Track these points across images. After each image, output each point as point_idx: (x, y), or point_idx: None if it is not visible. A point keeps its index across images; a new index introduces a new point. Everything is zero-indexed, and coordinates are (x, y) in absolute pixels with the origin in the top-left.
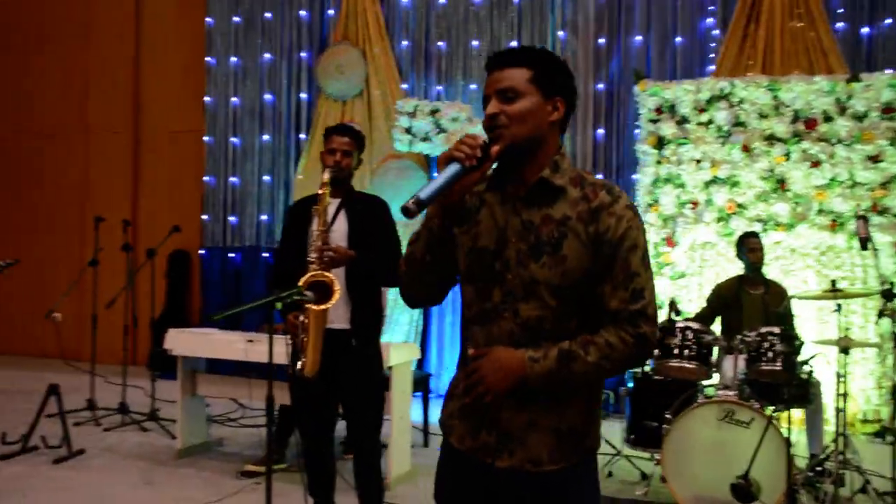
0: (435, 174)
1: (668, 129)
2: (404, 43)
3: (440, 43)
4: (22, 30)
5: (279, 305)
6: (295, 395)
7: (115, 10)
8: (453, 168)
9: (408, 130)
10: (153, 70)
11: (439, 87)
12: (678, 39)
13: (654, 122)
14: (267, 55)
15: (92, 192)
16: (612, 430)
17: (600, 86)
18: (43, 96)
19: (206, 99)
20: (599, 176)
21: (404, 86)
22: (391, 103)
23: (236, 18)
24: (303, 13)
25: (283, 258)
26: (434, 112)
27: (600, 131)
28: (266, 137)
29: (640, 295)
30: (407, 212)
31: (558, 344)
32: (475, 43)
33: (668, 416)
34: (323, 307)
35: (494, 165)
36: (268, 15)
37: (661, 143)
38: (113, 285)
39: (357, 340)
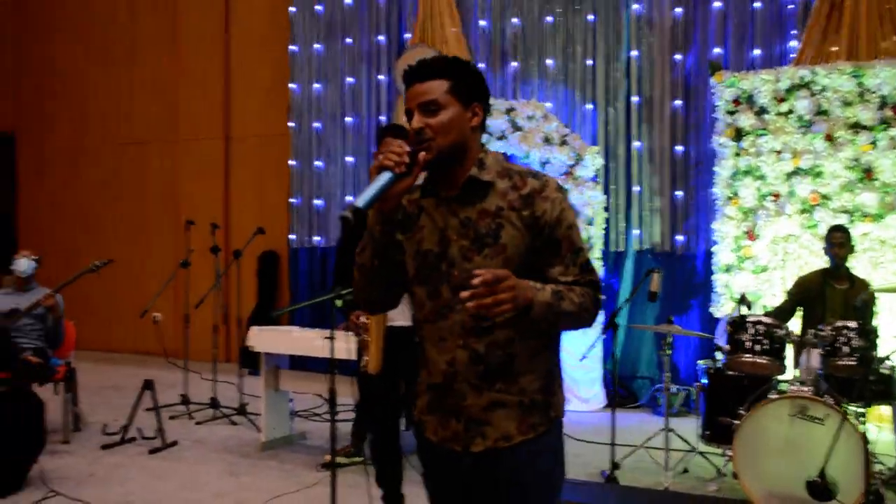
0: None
1: (746, 120)
2: (481, 23)
3: (514, 20)
4: (118, 45)
5: (339, 303)
6: (362, 391)
7: (204, 22)
8: (385, 176)
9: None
10: (241, 77)
11: (516, 73)
12: (757, 28)
13: (732, 113)
14: (348, 41)
15: (183, 196)
16: (688, 427)
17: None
18: (137, 106)
19: (291, 85)
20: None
21: None
22: None
23: (319, 7)
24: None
25: (343, 255)
26: (510, 111)
27: (679, 112)
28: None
29: (588, 267)
30: (345, 221)
31: (544, 285)
32: (550, 28)
33: (741, 411)
34: None
35: (424, 174)
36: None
37: (739, 134)
38: (205, 286)
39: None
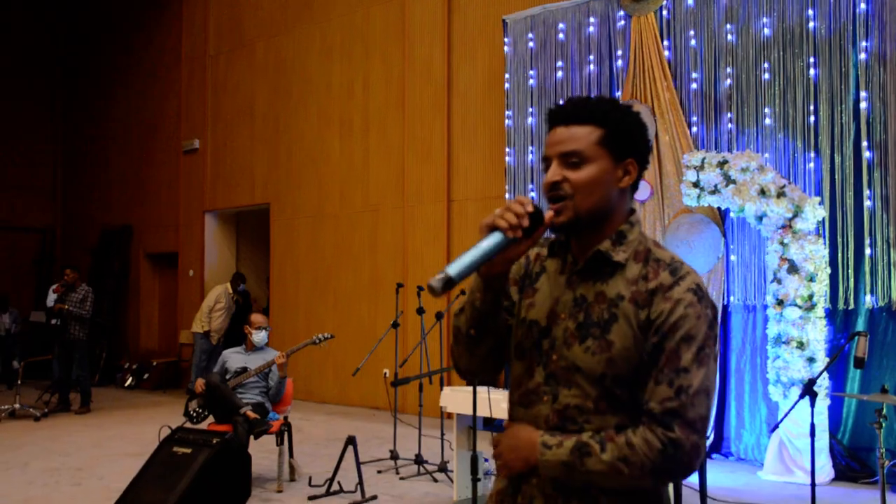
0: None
1: None
2: (693, 86)
3: (728, 81)
4: (353, 122)
5: None
6: None
7: (427, 90)
8: (494, 238)
9: (695, 184)
10: (462, 141)
11: (731, 125)
12: None
13: None
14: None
15: (410, 258)
16: None
17: None
18: (371, 176)
19: (507, 158)
20: None
21: (693, 129)
22: (680, 157)
23: (532, 81)
24: (592, 67)
25: None
26: (722, 164)
27: None
28: None
29: (683, 392)
30: (432, 290)
31: (579, 434)
32: (766, 75)
33: None
34: None
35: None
36: (559, 74)
37: None
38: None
39: None
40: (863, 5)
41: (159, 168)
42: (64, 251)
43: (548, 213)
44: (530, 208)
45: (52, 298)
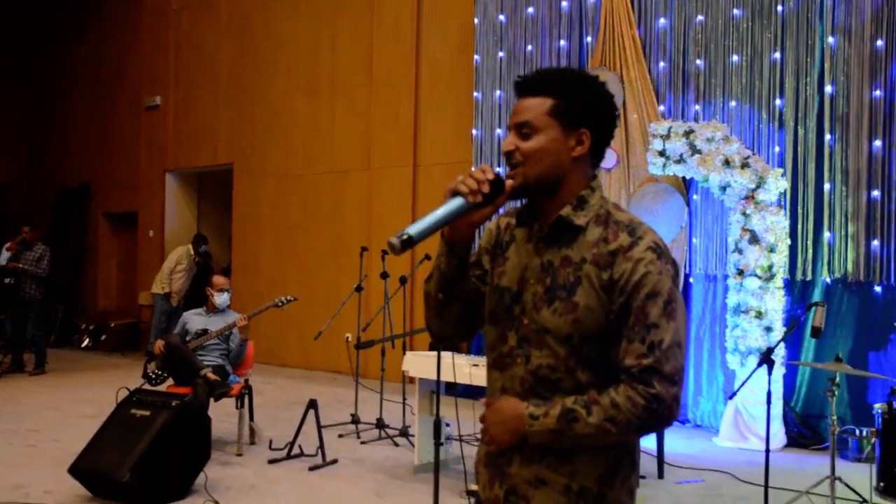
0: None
1: None
2: (661, 64)
3: (698, 61)
4: (319, 83)
5: None
6: None
7: (395, 54)
8: (455, 203)
9: (661, 153)
10: (430, 107)
11: (697, 107)
12: None
13: None
14: None
15: (376, 222)
16: (861, 477)
17: (877, 93)
18: (337, 138)
19: (474, 131)
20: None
21: (661, 108)
22: (647, 126)
23: (501, 53)
24: (562, 42)
25: None
26: (688, 133)
27: (877, 143)
28: None
29: (656, 348)
30: (392, 248)
31: (562, 400)
32: (735, 57)
33: None
34: None
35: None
36: (529, 47)
37: None
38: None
39: None
40: None
41: (120, 125)
42: (24, 208)
43: (508, 182)
44: (490, 175)
45: (5, 257)
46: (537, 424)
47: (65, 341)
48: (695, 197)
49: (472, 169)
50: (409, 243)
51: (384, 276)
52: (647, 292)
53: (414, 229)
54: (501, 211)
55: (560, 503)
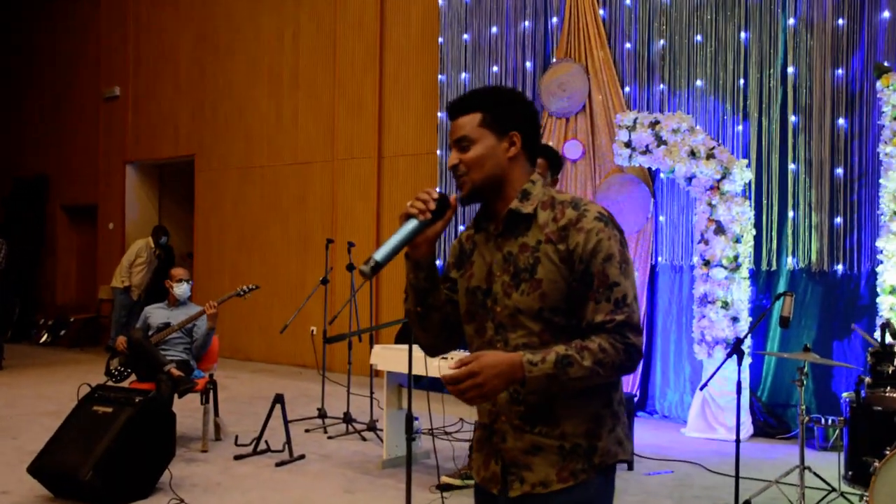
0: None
1: None
2: (627, 45)
3: (661, 43)
4: (282, 74)
5: None
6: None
7: (359, 44)
8: (410, 224)
9: (627, 144)
10: (394, 98)
11: (662, 86)
12: None
13: None
14: (495, 69)
15: (340, 214)
16: (829, 465)
17: (839, 71)
18: (301, 129)
19: (439, 114)
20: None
21: (626, 89)
22: (613, 117)
23: (466, 36)
24: (527, 23)
25: None
26: (654, 124)
27: (840, 122)
28: None
29: (622, 303)
30: (364, 275)
31: (555, 348)
32: (699, 37)
33: (886, 452)
34: None
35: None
36: (494, 30)
37: None
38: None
39: None
40: None
41: (78, 115)
42: None
43: (452, 196)
44: (435, 195)
45: None
46: (536, 370)
47: (22, 336)
48: (660, 186)
49: (439, 154)
50: (377, 267)
51: (350, 268)
52: (603, 256)
53: (379, 254)
54: (462, 228)
55: (557, 463)
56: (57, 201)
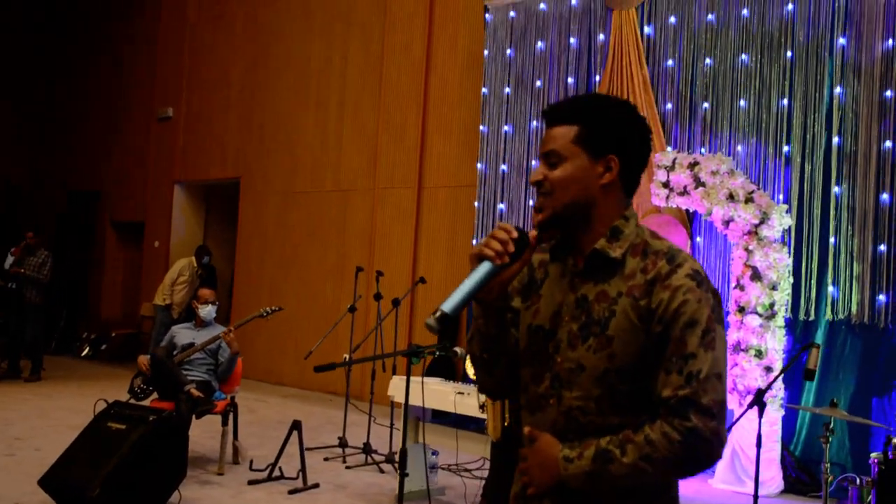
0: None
1: None
2: (668, 105)
3: (705, 104)
4: (329, 100)
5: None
6: (492, 456)
7: (405, 79)
8: (483, 268)
9: (665, 185)
10: (437, 130)
11: (702, 150)
12: None
13: None
14: (535, 123)
15: (378, 242)
16: None
17: (887, 144)
18: (344, 156)
19: (479, 165)
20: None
21: (669, 149)
22: (653, 158)
23: (507, 89)
24: (570, 80)
25: None
26: (693, 165)
27: (884, 196)
28: (532, 202)
29: (693, 378)
30: (430, 328)
31: (597, 441)
32: (742, 102)
33: None
34: None
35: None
36: (538, 83)
37: None
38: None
39: None
40: (841, 14)
41: (131, 135)
42: (29, 211)
43: (531, 233)
44: (514, 234)
45: (9, 261)
46: (572, 467)
47: (65, 349)
48: (698, 239)
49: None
50: (444, 320)
51: (377, 297)
52: (685, 321)
53: (448, 305)
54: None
55: None
56: (107, 217)
